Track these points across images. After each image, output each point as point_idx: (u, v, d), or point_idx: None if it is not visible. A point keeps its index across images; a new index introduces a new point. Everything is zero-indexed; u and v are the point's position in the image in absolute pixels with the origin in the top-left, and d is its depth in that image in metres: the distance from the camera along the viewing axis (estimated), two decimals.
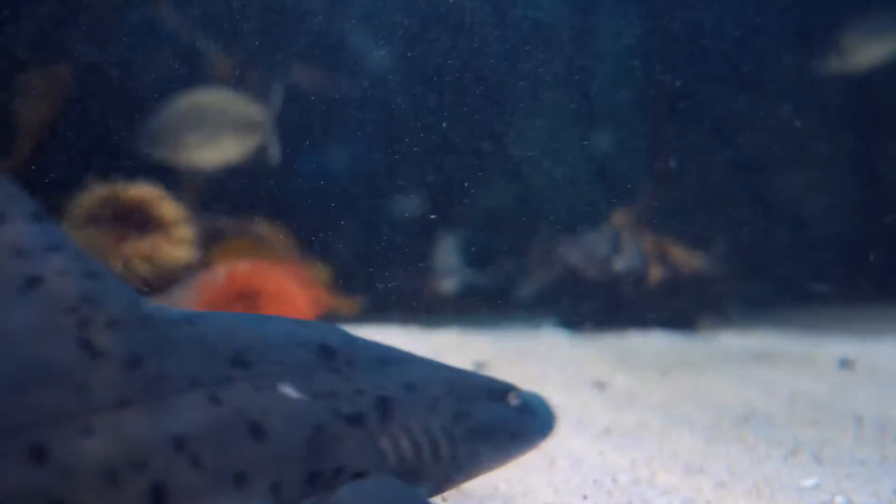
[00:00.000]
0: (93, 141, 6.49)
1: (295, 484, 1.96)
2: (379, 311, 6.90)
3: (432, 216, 7.37)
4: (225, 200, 6.75)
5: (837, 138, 7.59)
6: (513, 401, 2.53)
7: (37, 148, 6.27)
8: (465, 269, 7.46)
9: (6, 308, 1.73)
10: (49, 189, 6.37)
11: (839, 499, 3.05)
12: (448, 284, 7.37)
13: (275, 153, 6.48)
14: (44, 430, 1.69)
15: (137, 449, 1.77)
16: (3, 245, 1.78)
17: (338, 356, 2.21)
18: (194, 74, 6.87)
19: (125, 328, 1.87)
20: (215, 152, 6.40)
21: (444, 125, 6.72)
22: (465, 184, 7.25)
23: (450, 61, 6.78)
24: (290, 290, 6.39)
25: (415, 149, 6.89)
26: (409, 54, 6.97)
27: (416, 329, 6.69)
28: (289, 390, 2.03)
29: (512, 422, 2.49)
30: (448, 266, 7.42)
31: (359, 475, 2.07)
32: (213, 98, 6.50)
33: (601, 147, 7.71)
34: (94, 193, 6.38)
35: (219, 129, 6.39)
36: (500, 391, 2.52)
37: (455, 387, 2.40)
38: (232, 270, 6.37)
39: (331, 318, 6.73)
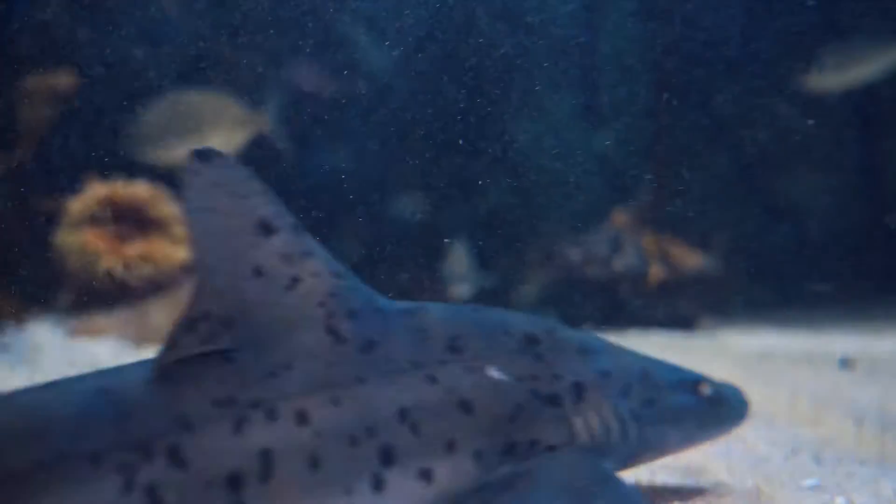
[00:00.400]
0: (93, 141, 6.50)
1: (495, 452, 2.29)
2: None
3: (435, 216, 7.36)
4: None
5: (839, 138, 7.58)
6: (704, 390, 2.79)
7: (38, 148, 6.26)
8: (478, 273, 7.43)
9: (277, 302, 2.16)
10: (49, 189, 6.38)
11: (839, 499, 3.04)
12: (461, 289, 7.35)
13: (283, 147, 6.49)
14: (304, 398, 2.10)
15: (371, 417, 2.16)
16: (274, 252, 2.18)
17: (541, 344, 2.52)
18: (198, 74, 6.88)
19: (362, 318, 2.28)
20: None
21: (444, 125, 6.72)
22: (466, 184, 7.24)
23: (450, 62, 6.78)
24: None
25: (415, 149, 6.88)
26: (410, 56, 6.96)
27: None
28: (494, 373, 2.37)
29: (700, 409, 2.77)
30: (461, 271, 7.40)
31: (551, 448, 2.37)
32: (196, 98, 6.50)
33: (602, 147, 7.70)
34: (94, 193, 6.38)
35: (202, 129, 6.40)
36: (691, 381, 2.79)
37: (648, 375, 2.69)
38: None
39: None
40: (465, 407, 2.28)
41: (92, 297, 6.29)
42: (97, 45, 6.34)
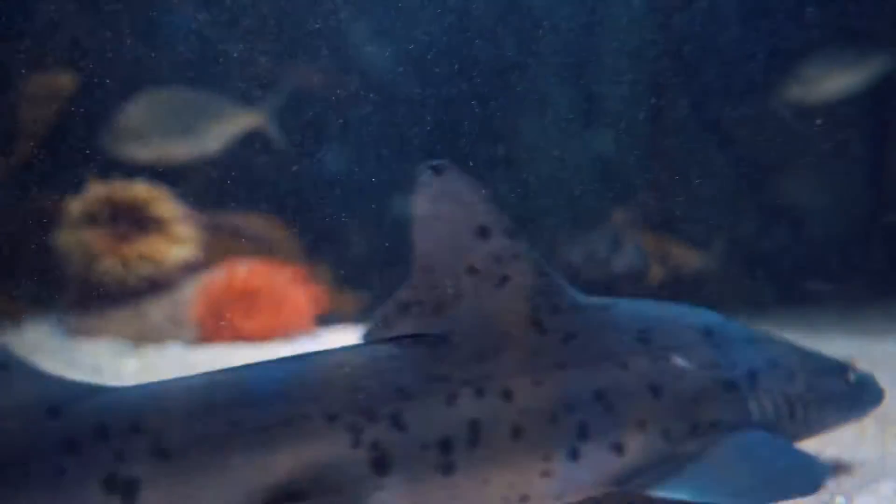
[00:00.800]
0: (93, 141, 6.50)
1: (681, 431, 2.58)
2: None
3: None
4: (226, 199, 6.74)
5: (839, 138, 7.58)
6: (850, 377, 3.11)
7: (37, 148, 6.26)
8: None
9: (487, 296, 2.45)
10: (49, 189, 6.38)
11: (839, 499, 3.05)
12: None
13: (278, 142, 6.49)
14: (509, 379, 2.40)
15: (569, 397, 2.45)
16: (488, 254, 2.46)
17: (715, 335, 2.82)
18: (200, 73, 6.89)
19: (563, 313, 2.57)
20: (184, 148, 6.42)
21: (443, 125, 6.72)
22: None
23: (449, 61, 6.78)
24: (291, 288, 6.39)
25: (414, 150, 6.88)
26: (410, 55, 6.97)
27: None
28: (679, 361, 2.66)
29: (847, 394, 3.10)
30: None
31: (730, 428, 2.65)
32: (186, 96, 6.51)
33: (602, 147, 7.70)
34: (94, 193, 6.37)
35: (193, 126, 6.40)
36: (840, 368, 3.12)
37: (806, 363, 3.01)
38: (233, 269, 6.37)
39: (331, 316, 6.72)
40: (655, 390, 2.57)
41: (91, 296, 6.29)
42: (97, 45, 6.34)
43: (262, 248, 6.56)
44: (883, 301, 7.80)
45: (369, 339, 2.52)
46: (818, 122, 7.28)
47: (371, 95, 6.95)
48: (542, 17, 7.23)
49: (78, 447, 1.98)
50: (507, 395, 2.38)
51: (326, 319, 6.65)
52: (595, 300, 2.74)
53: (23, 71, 6.16)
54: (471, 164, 7.14)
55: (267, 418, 2.15)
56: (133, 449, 2.01)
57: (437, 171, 2.42)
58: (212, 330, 6.16)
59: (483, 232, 2.45)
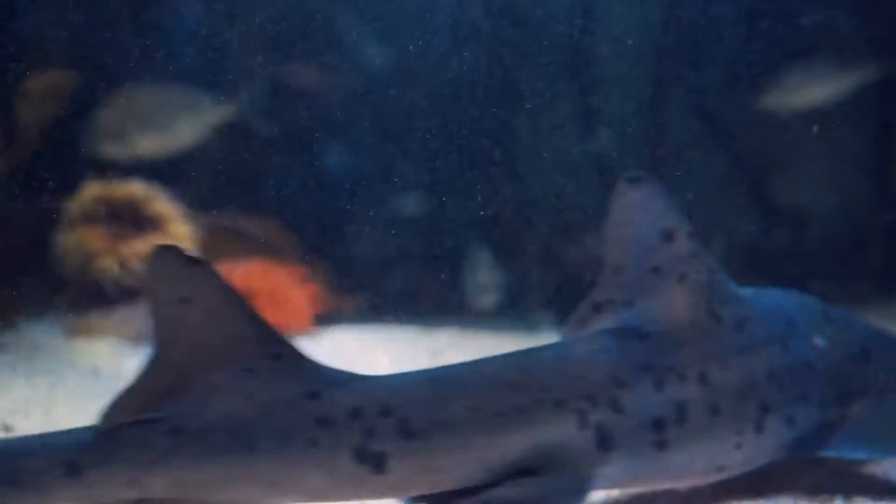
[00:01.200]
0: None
1: (831, 401, 3.01)
2: (379, 311, 6.88)
3: (433, 218, 7.35)
4: (224, 198, 6.73)
5: (840, 138, 7.56)
6: None
7: (37, 148, 6.25)
8: (503, 282, 7.35)
9: (673, 293, 2.74)
10: (48, 189, 6.37)
11: (838, 500, 3.04)
12: (485, 301, 7.29)
13: (258, 135, 6.51)
14: (703, 364, 2.71)
15: (751, 378, 2.78)
16: (671, 255, 2.75)
17: (830, 316, 3.26)
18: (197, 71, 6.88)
19: (733, 304, 2.87)
20: (160, 142, 6.44)
21: (443, 124, 6.71)
22: (464, 183, 7.23)
23: (448, 61, 6.77)
24: (290, 288, 6.38)
25: (414, 148, 6.88)
26: (406, 52, 6.96)
27: (415, 329, 6.68)
28: (819, 341, 3.08)
29: None
30: (486, 282, 7.33)
31: (862, 394, 3.12)
32: (159, 92, 6.51)
33: (602, 147, 7.69)
34: (91, 193, 6.37)
35: (167, 122, 6.41)
36: None
37: (887, 337, 3.49)
38: (231, 269, 6.36)
39: (330, 317, 6.72)
40: (809, 367, 2.97)
41: (90, 296, 6.28)
42: (96, 43, 6.33)
43: (260, 249, 6.55)
44: (883, 301, 7.79)
45: (570, 336, 2.85)
46: (815, 128, 7.30)
47: (369, 94, 6.93)
48: (539, 14, 7.22)
49: (332, 423, 2.26)
50: (703, 378, 2.68)
51: (325, 319, 6.64)
52: (749, 290, 3.10)
53: (21, 70, 6.15)
54: (469, 163, 7.15)
55: (503, 405, 2.43)
56: (382, 428, 2.28)
57: (633, 181, 2.78)
58: None
59: (667, 235, 2.75)
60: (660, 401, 2.60)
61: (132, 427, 2.17)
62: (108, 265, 6.31)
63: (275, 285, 6.37)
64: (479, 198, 7.35)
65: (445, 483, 2.36)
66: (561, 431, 2.46)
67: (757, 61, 7.43)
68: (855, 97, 7.42)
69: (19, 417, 4.12)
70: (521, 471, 2.38)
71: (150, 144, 6.43)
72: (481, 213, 7.36)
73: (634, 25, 7.52)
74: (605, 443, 2.50)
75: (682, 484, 2.81)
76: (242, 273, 6.35)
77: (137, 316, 6.32)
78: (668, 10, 7.42)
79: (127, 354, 5.89)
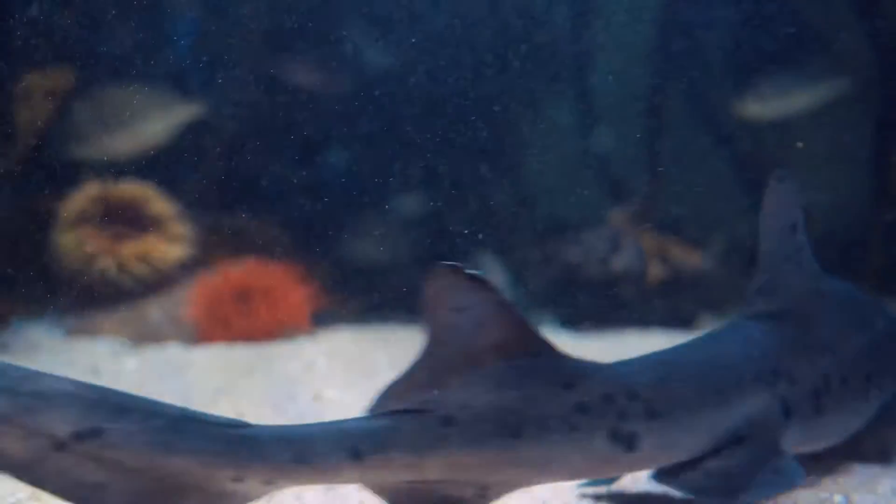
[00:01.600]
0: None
1: (892, 378, 3.40)
2: (377, 311, 6.89)
3: (431, 218, 7.35)
4: (222, 198, 6.73)
5: (840, 137, 7.57)
6: None
7: (36, 147, 6.25)
8: (514, 285, 7.33)
9: (799, 279, 3.14)
10: (47, 188, 6.37)
11: (838, 497, 3.04)
12: None
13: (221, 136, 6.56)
14: (835, 340, 3.17)
15: (860, 353, 3.23)
16: (793, 245, 3.12)
17: (875, 302, 3.74)
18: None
19: (830, 287, 3.33)
20: (128, 142, 6.45)
21: (442, 123, 6.71)
22: (464, 183, 7.23)
23: (447, 60, 6.77)
24: (286, 288, 6.38)
25: (413, 148, 6.87)
26: (406, 54, 6.96)
27: (415, 329, 6.67)
28: (880, 323, 3.49)
29: None
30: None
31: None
32: (123, 92, 6.52)
33: (601, 146, 7.69)
34: (89, 192, 6.36)
35: (132, 121, 6.42)
36: None
37: None
38: (228, 269, 6.36)
39: (329, 316, 6.72)
40: (880, 344, 3.37)
41: (89, 296, 6.28)
42: (96, 43, 6.33)
43: (258, 248, 6.54)
44: (883, 301, 7.79)
45: (743, 318, 3.16)
46: (799, 144, 7.39)
47: (366, 93, 6.92)
48: (539, 15, 7.22)
49: (588, 409, 2.52)
50: (835, 352, 3.10)
51: (324, 319, 6.64)
52: (828, 283, 3.43)
53: (19, 69, 6.14)
54: (467, 162, 7.15)
55: (721, 383, 2.79)
56: (632, 411, 2.56)
57: (780, 179, 3.02)
58: (209, 330, 6.15)
59: (793, 228, 3.08)
60: (815, 374, 3.00)
61: (405, 415, 2.42)
62: (107, 265, 6.31)
63: (272, 284, 6.36)
64: (479, 197, 7.34)
65: (681, 455, 2.68)
66: (761, 403, 2.82)
67: (757, 60, 7.43)
68: (855, 97, 7.42)
69: None
70: (736, 438, 2.74)
71: (119, 145, 6.45)
72: (481, 213, 7.36)
73: (635, 22, 7.52)
74: (787, 411, 2.88)
75: (824, 446, 3.14)
76: (240, 272, 6.35)
77: (136, 315, 6.33)
78: (668, 7, 7.41)
79: (126, 354, 5.90)
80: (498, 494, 2.52)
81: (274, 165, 6.99)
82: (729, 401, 2.76)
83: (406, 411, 2.42)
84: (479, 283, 2.42)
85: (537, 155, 7.74)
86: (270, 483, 2.28)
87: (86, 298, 6.30)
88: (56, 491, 2.15)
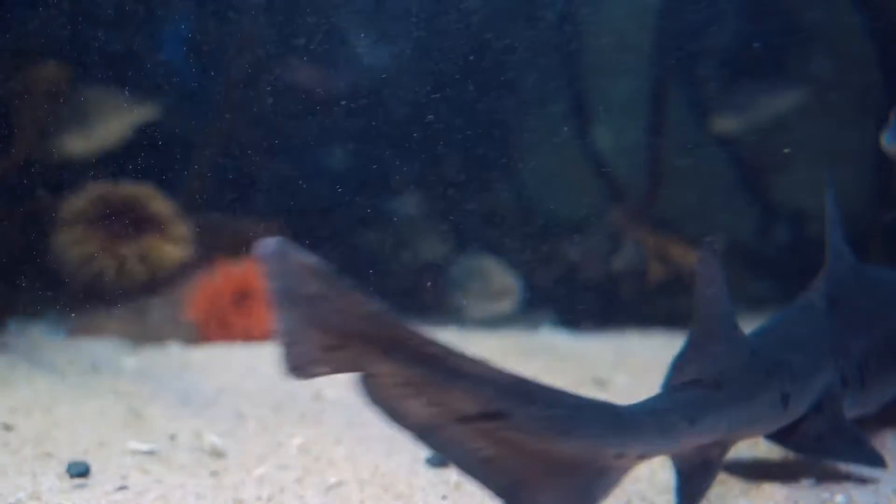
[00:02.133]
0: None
1: None
2: None
3: (430, 219, 7.35)
4: (221, 198, 6.73)
5: (840, 136, 7.57)
6: None
7: (36, 147, 6.25)
8: (522, 287, 7.31)
9: (845, 269, 3.61)
10: (48, 188, 6.37)
11: (839, 497, 3.04)
12: (504, 306, 7.27)
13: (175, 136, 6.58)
14: (862, 322, 3.55)
15: (890, 330, 3.64)
16: (835, 241, 3.58)
17: None
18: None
19: (836, 284, 3.55)
20: (82, 145, 6.47)
21: (442, 123, 6.71)
22: (463, 182, 7.24)
23: (445, 59, 6.77)
24: None
25: (413, 148, 6.87)
26: (401, 49, 6.95)
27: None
28: None
29: None
30: (503, 287, 7.31)
31: None
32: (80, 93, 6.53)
33: (601, 145, 7.68)
34: (90, 192, 6.36)
35: (87, 122, 6.43)
36: None
37: None
38: (229, 269, 6.36)
39: None
40: None
41: (90, 296, 6.27)
42: (95, 42, 6.32)
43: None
44: None
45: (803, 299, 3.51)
46: (786, 150, 7.46)
47: (365, 95, 6.92)
48: (538, 13, 7.21)
49: (772, 374, 2.97)
50: (869, 331, 3.51)
51: None
52: (872, 271, 3.94)
53: (21, 68, 6.14)
54: (467, 161, 7.15)
55: (815, 354, 3.23)
56: (787, 375, 3.02)
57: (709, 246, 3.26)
58: (210, 329, 6.15)
59: (833, 225, 3.58)
60: (861, 350, 3.42)
61: (693, 386, 2.79)
62: (107, 265, 6.31)
63: None
64: (478, 197, 7.34)
65: (799, 413, 3.11)
66: (832, 373, 3.26)
67: (756, 59, 7.44)
68: (855, 97, 7.42)
69: (20, 416, 4.12)
70: (813, 407, 3.15)
71: (76, 145, 6.46)
72: (481, 212, 7.36)
73: (634, 21, 7.52)
74: (844, 381, 3.31)
75: (864, 414, 3.54)
76: (239, 272, 6.35)
77: (136, 315, 6.33)
78: (669, 6, 7.41)
79: (126, 354, 5.90)
80: (727, 452, 2.86)
81: (274, 165, 6.99)
82: (822, 370, 3.21)
83: (689, 382, 2.79)
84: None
85: (537, 154, 7.73)
86: (643, 457, 2.53)
87: (86, 298, 6.29)
88: (452, 459, 2.34)
